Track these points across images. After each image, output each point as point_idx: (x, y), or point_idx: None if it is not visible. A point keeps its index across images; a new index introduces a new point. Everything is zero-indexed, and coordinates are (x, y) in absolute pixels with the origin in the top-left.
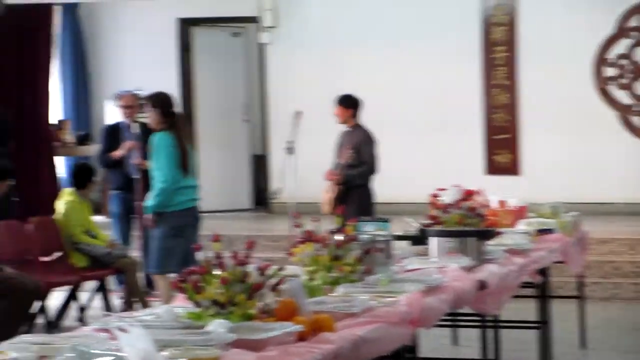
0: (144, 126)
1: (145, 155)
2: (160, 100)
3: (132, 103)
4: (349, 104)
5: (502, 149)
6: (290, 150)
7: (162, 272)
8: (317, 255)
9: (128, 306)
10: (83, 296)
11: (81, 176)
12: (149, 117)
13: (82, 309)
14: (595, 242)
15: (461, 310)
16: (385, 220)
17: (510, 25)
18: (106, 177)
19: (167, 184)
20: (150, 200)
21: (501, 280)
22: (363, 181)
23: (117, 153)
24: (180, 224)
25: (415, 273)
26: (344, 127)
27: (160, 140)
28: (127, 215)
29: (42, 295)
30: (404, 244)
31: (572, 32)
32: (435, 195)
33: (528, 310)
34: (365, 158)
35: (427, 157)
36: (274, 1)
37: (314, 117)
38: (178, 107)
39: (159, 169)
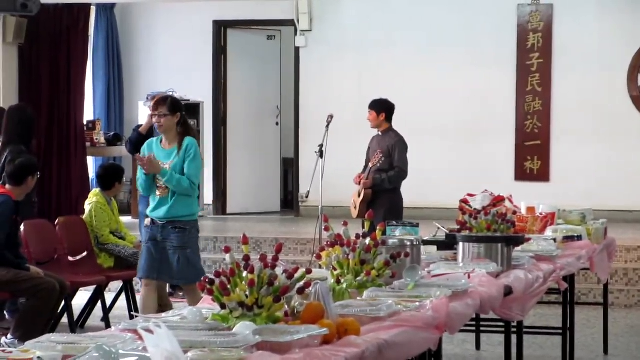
0: None
1: None
2: (180, 106)
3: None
4: (381, 108)
5: (533, 155)
6: (320, 153)
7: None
8: (345, 259)
9: (159, 308)
10: (109, 296)
11: (108, 177)
12: (164, 121)
13: (107, 309)
14: (622, 250)
15: (485, 316)
16: (414, 225)
17: (545, 32)
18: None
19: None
20: (193, 207)
21: (527, 287)
22: (393, 185)
23: (143, 127)
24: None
25: (442, 278)
26: (375, 132)
27: (195, 146)
28: None
29: (68, 295)
30: (432, 248)
31: (607, 39)
32: (464, 201)
33: (552, 316)
34: (396, 163)
35: (458, 163)
36: (310, 5)
37: (346, 121)
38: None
39: (197, 175)
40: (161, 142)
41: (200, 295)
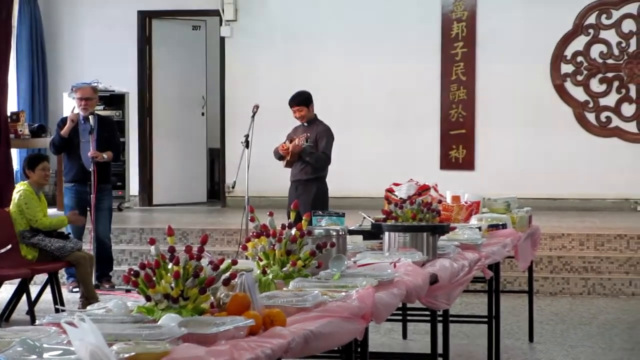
0: (99, 118)
1: (100, 148)
2: None
3: (88, 95)
4: (309, 101)
5: (458, 144)
6: (247, 144)
7: None
8: (271, 250)
9: (85, 300)
10: (33, 289)
11: (33, 159)
12: None
13: (33, 303)
14: (547, 237)
15: (411, 305)
16: (340, 215)
17: (469, 21)
18: (61, 169)
19: None
20: None
21: (453, 275)
22: (317, 164)
23: (64, 130)
24: None
25: (368, 267)
26: (298, 122)
27: None
28: (81, 209)
29: None
30: (358, 238)
31: (530, 28)
32: (390, 190)
33: (478, 304)
34: (323, 149)
35: (384, 152)
36: None
37: (271, 112)
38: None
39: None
40: None
41: None
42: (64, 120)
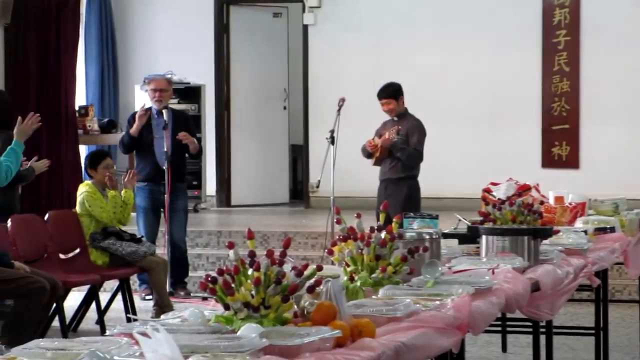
0: (174, 112)
1: (176, 145)
2: None
3: (162, 87)
4: (399, 94)
5: (561, 141)
6: (332, 140)
7: None
8: (359, 255)
9: (158, 309)
10: (103, 297)
11: (95, 156)
12: None
13: (102, 311)
14: None
15: (511, 315)
16: (433, 217)
17: (573, 8)
18: (132, 168)
19: None
20: None
21: (556, 283)
22: (408, 161)
23: (134, 129)
24: None
25: (464, 274)
26: (388, 116)
27: None
28: (154, 210)
29: (60, 296)
30: (453, 242)
31: (639, 15)
32: (487, 190)
33: (584, 315)
34: (414, 145)
35: (480, 149)
36: None
37: (358, 105)
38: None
39: None
40: None
41: None
42: (134, 116)
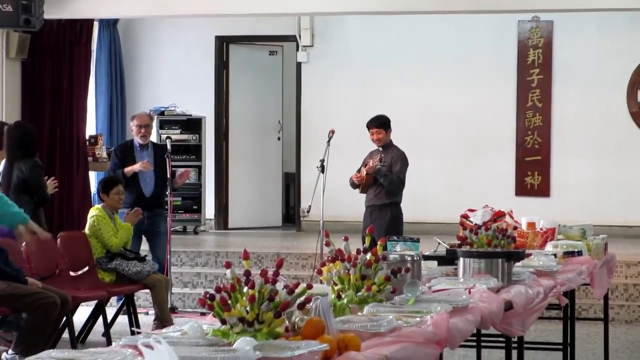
0: (154, 146)
1: (159, 175)
2: None
3: (146, 122)
4: (388, 125)
5: (533, 171)
6: (322, 168)
7: None
8: (346, 274)
9: (160, 323)
10: (109, 311)
11: (107, 182)
12: None
13: (108, 325)
14: (622, 265)
15: (486, 331)
16: (415, 240)
17: (545, 48)
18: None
19: None
20: None
21: (528, 302)
22: (390, 187)
23: (129, 169)
24: None
25: (443, 293)
26: (375, 146)
27: None
28: (136, 232)
29: (69, 310)
30: (432, 264)
31: (606, 55)
32: (465, 216)
33: (553, 331)
34: (397, 174)
35: (459, 178)
36: (311, 21)
37: (347, 136)
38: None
39: None
40: None
41: None
42: (121, 149)
